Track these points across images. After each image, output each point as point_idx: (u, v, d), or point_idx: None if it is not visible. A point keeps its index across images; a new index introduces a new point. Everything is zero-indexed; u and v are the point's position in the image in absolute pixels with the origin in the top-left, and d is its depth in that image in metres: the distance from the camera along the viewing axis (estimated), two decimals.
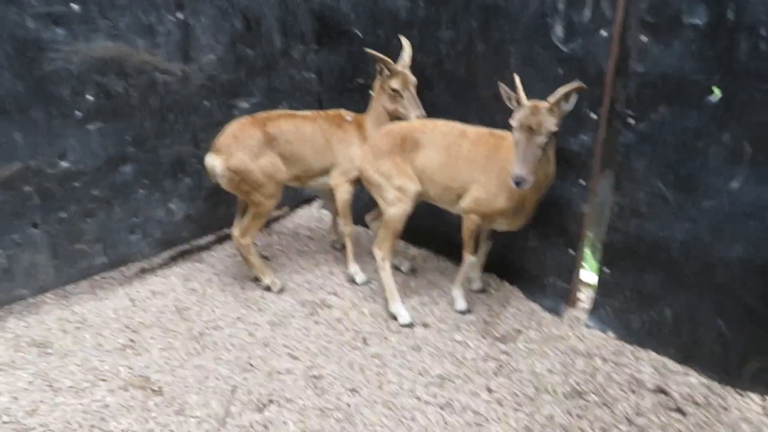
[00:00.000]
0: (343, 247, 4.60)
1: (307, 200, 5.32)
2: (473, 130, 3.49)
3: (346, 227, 4.13)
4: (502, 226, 3.52)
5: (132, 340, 3.43)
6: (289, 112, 4.04)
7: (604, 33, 3.08)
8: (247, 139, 3.70)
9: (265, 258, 4.43)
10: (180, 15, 3.68)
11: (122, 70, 3.50)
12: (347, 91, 4.55)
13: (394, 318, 3.67)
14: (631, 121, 3.09)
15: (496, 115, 3.69)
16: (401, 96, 3.76)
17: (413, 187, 3.57)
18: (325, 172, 4.03)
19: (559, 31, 3.25)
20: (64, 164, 3.43)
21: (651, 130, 3.03)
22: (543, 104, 2.90)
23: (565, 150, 3.43)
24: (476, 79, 3.73)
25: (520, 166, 2.86)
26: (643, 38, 2.92)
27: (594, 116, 3.26)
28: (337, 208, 4.11)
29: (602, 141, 3.33)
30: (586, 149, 3.34)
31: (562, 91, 2.89)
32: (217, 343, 3.45)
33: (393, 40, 4.03)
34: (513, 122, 2.93)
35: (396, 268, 4.24)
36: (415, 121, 3.73)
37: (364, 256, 4.42)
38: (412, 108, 3.76)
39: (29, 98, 3.18)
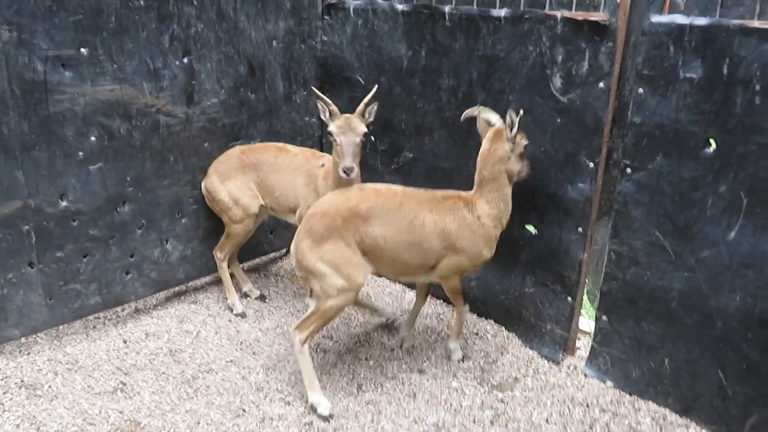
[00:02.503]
0: None
1: None
2: (427, 199, 3.24)
3: None
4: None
5: (123, 383, 3.37)
6: (280, 145, 4.14)
7: (601, 84, 3.15)
8: (222, 163, 4.04)
9: (262, 298, 4.40)
10: (186, 60, 3.75)
11: (127, 112, 3.54)
12: None
13: (314, 409, 3.19)
14: (629, 170, 3.13)
15: None
16: (336, 142, 3.39)
17: (363, 275, 3.16)
18: (293, 210, 4.00)
19: (557, 82, 3.32)
20: (63, 203, 3.43)
21: (648, 180, 3.07)
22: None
23: (564, 198, 3.46)
24: (476, 127, 3.78)
25: None
26: (640, 90, 2.99)
27: (591, 165, 3.30)
28: None
29: (600, 189, 3.37)
30: (585, 197, 3.38)
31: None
32: (210, 386, 3.38)
33: (395, 87, 4.11)
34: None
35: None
36: (350, 191, 3.26)
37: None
38: (342, 157, 3.31)
39: (33, 138, 3.20)
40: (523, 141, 3.23)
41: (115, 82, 3.44)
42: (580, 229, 3.45)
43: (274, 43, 4.25)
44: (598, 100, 3.20)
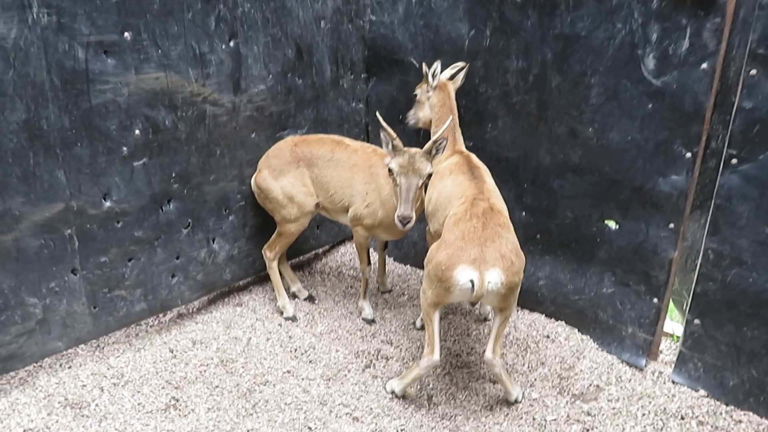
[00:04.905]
0: (389, 292, 4.30)
1: (350, 237, 5.02)
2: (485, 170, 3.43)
3: (361, 265, 3.88)
4: None
5: (175, 399, 3.11)
6: (337, 138, 3.82)
7: (704, 65, 2.83)
8: (273, 158, 3.73)
9: (311, 299, 4.12)
10: (232, 44, 3.42)
11: (172, 102, 3.23)
12: (398, 123, 4.28)
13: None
14: (735, 161, 2.81)
15: (570, 152, 3.44)
16: (395, 182, 3.05)
17: None
18: (346, 209, 3.70)
19: (650, 63, 2.99)
20: (107, 204, 3.14)
21: (758, 172, 2.76)
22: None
23: (653, 191, 3.17)
24: (549, 114, 3.47)
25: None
26: (753, 71, 2.66)
27: (689, 155, 2.99)
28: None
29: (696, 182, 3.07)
30: (679, 190, 3.07)
31: None
32: (269, 401, 3.13)
33: None
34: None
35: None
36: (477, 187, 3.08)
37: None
38: (399, 203, 3.00)
39: (75, 133, 2.90)
40: None
41: (160, 69, 3.12)
42: (671, 225, 3.16)
43: (322, 23, 3.91)
44: (699, 83, 2.87)
